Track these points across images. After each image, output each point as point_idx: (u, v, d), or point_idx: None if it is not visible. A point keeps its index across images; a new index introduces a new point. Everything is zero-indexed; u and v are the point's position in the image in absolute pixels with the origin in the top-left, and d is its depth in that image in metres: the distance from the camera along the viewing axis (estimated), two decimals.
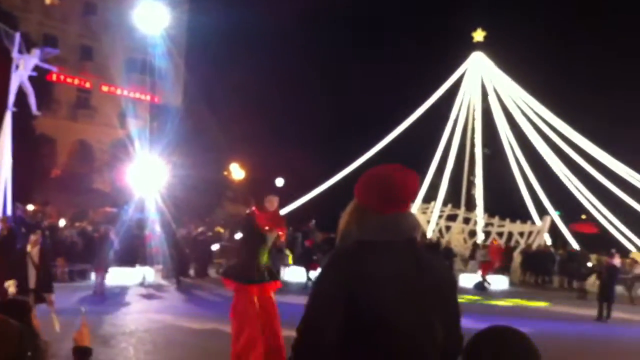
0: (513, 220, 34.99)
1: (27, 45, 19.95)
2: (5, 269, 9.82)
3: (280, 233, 7.33)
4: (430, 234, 31.51)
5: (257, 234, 7.17)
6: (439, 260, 2.80)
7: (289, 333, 6.78)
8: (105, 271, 17.16)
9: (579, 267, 26.99)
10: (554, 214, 35.92)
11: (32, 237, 10.19)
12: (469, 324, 2.73)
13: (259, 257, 7.27)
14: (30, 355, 2.69)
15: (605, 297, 16.98)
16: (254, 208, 7.39)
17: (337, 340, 2.42)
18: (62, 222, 24.21)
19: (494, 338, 2.27)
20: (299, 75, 46.32)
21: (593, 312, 17.06)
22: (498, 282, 26.24)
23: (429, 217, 33.23)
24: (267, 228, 7.16)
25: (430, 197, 34.14)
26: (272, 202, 7.33)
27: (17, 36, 19.09)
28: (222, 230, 29.63)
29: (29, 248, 9.87)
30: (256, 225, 7.17)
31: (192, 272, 24.21)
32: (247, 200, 7.69)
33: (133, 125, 33.08)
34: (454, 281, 2.77)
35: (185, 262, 22.65)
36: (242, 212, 40.54)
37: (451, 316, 2.62)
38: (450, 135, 36.79)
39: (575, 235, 34.74)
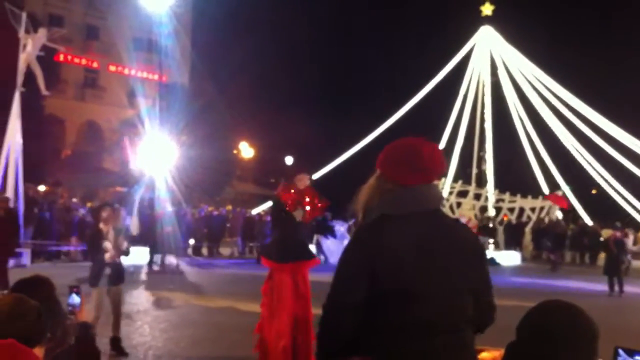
0: (524, 196, 34.86)
1: (34, 25, 19.84)
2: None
3: (307, 209, 7.12)
4: None
5: (285, 214, 7.03)
6: (464, 229, 2.71)
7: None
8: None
9: (590, 241, 26.98)
10: (566, 189, 35.74)
11: (104, 214, 8.39)
12: None
13: (292, 235, 7.12)
14: (50, 334, 2.66)
15: (615, 272, 17.01)
16: (280, 188, 7.26)
17: (362, 316, 2.44)
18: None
19: (551, 312, 2.23)
20: (306, 51, 46.06)
21: (603, 287, 17.05)
22: (510, 258, 26.25)
23: None
24: (302, 208, 6.99)
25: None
26: (302, 180, 7.15)
27: (24, 16, 19.01)
28: (230, 209, 29.73)
29: (101, 226, 8.28)
30: (283, 205, 7.04)
31: (204, 250, 24.37)
32: (278, 182, 7.43)
33: (141, 104, 33.03)
34: (480, 249, 2.69)
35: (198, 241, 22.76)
36: (251, 190, 40.76)
37: (480, 284, 2.57)
38: (460, 110, 36.57)
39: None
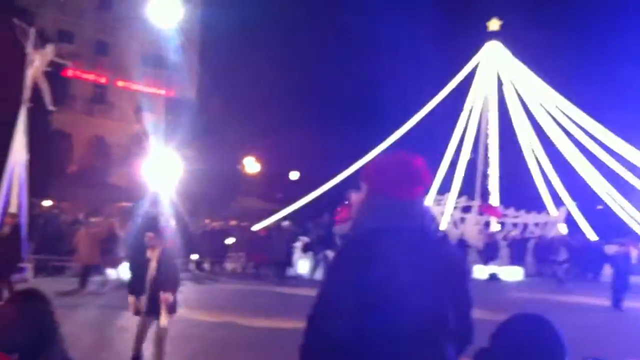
0: (528, 212, 34.87)
1: (42, 41, 20.08)
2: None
3: None
4: (444, 225, 31.43)
5: None
6: (449, 247, 2.76)
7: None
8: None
9: (593, 256, 26.86)
10: (571, 204, 35.69)
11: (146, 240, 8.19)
12: (484, 315, 2.75)
13: None
14: (41, 346, 2.75)
15: (622, 286, 17.05)
16: None
17: (346, 326, 2.44)
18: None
19: (518, 325, 2.33)
20: (313, 67, 46.16)
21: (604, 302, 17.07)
22: (513, 273, 26.23)
23: (443, 208, 33.19)
24: None
25: (444, 188, 34.10)
26: None
27: (32, 31, 19.25)
28: (234, 224, 29.80)
29: (149, 253, 8.09)
30: None
31: (206, 265, 24.43)
32: None
33: (149, 119, 33.25)
34: (463, 267, 2.75)
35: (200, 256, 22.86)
36: (256, 205, 40.81)
37: (460, 302, 2.62)
38: (465, 127, 36.63)
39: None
